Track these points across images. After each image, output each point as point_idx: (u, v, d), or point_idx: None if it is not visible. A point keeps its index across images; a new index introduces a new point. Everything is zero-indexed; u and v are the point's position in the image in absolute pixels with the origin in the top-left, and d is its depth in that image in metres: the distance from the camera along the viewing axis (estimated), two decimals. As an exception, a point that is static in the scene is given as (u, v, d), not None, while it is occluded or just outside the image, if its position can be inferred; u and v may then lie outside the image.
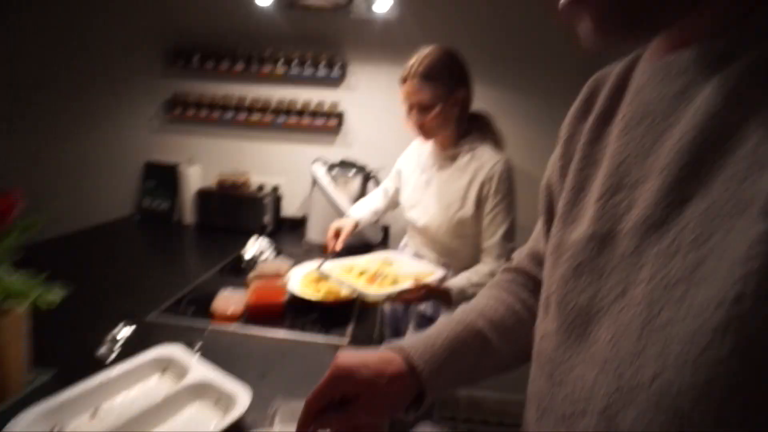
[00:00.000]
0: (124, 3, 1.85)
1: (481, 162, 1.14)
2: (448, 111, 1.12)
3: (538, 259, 0.56)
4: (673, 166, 0.31)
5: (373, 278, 1.08)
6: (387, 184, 1.46)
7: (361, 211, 1.42)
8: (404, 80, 1.12)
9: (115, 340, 0.88)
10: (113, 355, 0.84)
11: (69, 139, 2.03)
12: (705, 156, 0.29)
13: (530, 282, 0.58)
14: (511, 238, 1.13)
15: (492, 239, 1.12)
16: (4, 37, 1.93)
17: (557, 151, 0.49)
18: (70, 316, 0.95)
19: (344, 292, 1.11)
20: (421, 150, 1.32)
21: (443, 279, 1.10)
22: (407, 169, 1.34)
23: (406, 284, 1.02)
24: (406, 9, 1.65)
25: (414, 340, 0.50)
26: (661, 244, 0.30)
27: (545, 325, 0.42)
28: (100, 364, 0.80)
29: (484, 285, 1.05)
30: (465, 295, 1.05)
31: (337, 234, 1.30)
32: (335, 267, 1.13)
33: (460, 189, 1.16)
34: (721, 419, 0.24)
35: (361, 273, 1.10)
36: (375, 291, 1.02)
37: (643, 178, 0.34)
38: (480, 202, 1.14)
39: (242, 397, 0.68)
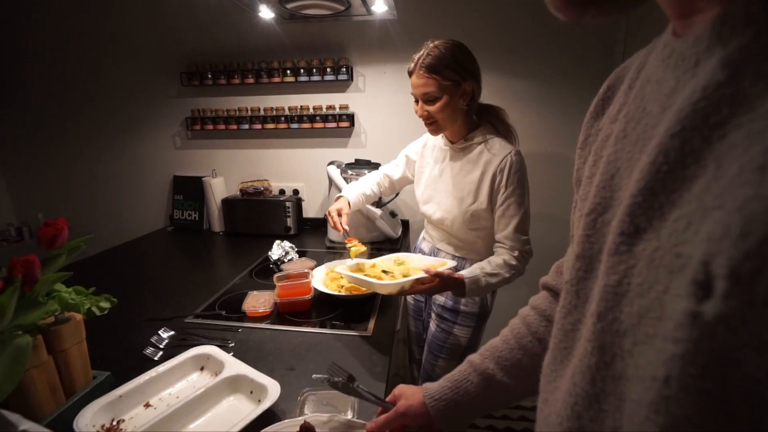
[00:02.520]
0: (140, 37, 1.97)
1: (492, 154, 1.14)
2: (456, 103, 1.12)
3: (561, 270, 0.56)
4: (635, 188, 0.26)
5: (386, 272, 1.12)
6: (391, 170, 1.46)
7: (352, 193, 1.41)
8: (411, 72, 1.13)
9: (158, 342, 0.98)
10: (158, 355, 0.93)
11: (102, 162, 2.19)
12: (665, 182, 0.24)
13: (556, 298, 0.58)
14: (524, 230, 1.13)
15: (505, 231, 1.13)
16: (40, 74, 2.09)
17: (576, 159, 0.46)
18: (118, 323, 1.06)
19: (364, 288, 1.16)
20: (432, 143, 1.33)
21: (455, 269, 1.12)
22: (419, 162, 1.36)
23: (418, 275, 1.04)
24: (405, 8, 1.67)
25: (436, 382, 0.62)
26: (609, 279, 0.27)
27: (551, 339, 0.41)
28: (149, 363, 0.89)
29: (497, 275, 1.08)
30: (478, 285, 1.07)
31: (339, 214, 1.31)
32: (348, 266, 1.17)
33: (472, 182, 1.16)
34: None
35: (372, 267, 1.14)
36: (387, 282, 1.05)
37: (626, 196, 0.28)
38: (493, 195, 1.14)
39: (273, 388, 0.75)
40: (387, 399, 0.65)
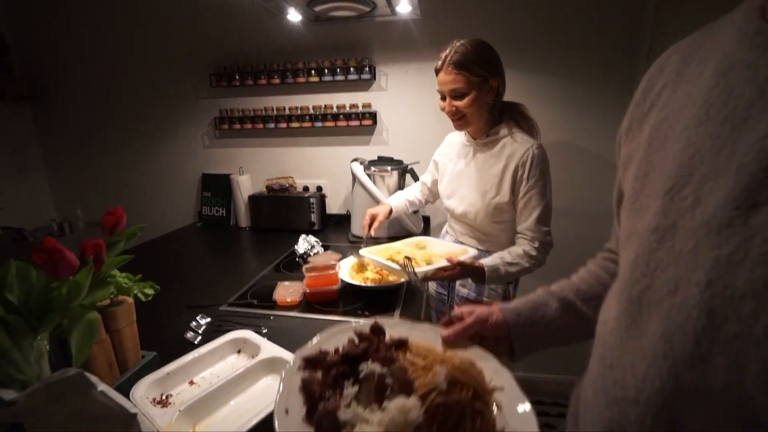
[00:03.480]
0: (173, 38, 2.06)
1: (514, 148, 1.16)
2: (482, 99, 1.15)
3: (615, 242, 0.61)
4: (753, 166, 0.28)
5: (409, 258, 1.16)
6: (425, 177, 1.53)
7: (396, 199, 1.50)
8: (439, 70, 1.16)
9: (198, 327, 1.04)
10: (198, 338, 1.00)
11: (135, 161, 2.30)
12: None
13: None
14: (545, 221, 1.15)
15: (526, 222, 1.15)
16: (77, 79, 2.21)
17: (621, 143, 0.48)
18: (160, 309, 1.13)
19: (389, 276, 1.20)
20: (455, 140, 1.36)
21: (476, 258, 1.15)
22: (443, 160, 1.39)
23: (440, 262, 1.07)
24: (428, 8, 1.69)
25: (514, 301, 0.62)
26: (722, 250, 0.29)
27: (607, 312, 0.44)
28: (189, 346, 0.95)
29: (517, 264, 1.11)
30: (498, 274, 1.10)
31: (373, 220, 1.39)
32: (372, 251, 1.22)
33: (495, 175, 1.19)
34: None
35: (397, 254, 1.18)
36: (410, 270, 1.08)
37: (714, 174, 0.31)
38: (515, 187, 1.17)
39: (307, 368, 0.79)
40: (449, 316, 0.65)
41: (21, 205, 2.27)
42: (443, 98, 1.19)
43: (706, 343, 0.29)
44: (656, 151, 0.38)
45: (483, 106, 1.17)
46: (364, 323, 0.65)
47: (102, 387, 0.50)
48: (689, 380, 0.31)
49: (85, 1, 2.09)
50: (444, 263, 1.07)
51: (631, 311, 0.37)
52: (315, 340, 0.62)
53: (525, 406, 0.51)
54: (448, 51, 1.14)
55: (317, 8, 1.47)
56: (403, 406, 0.46)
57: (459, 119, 1.19)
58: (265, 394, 0.79)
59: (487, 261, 1.11)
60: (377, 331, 0.62)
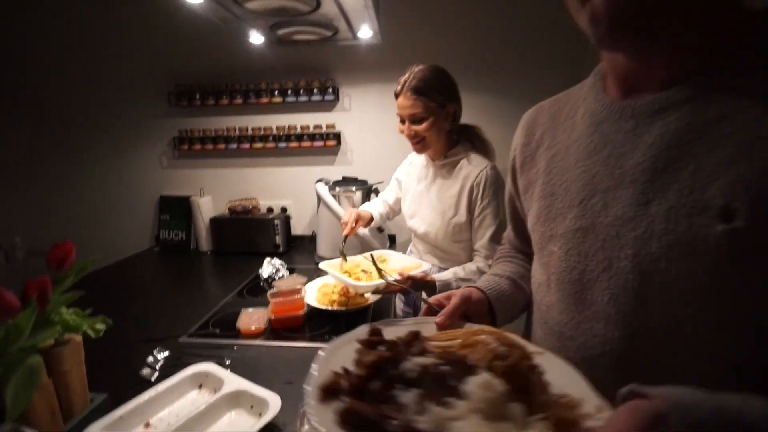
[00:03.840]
0: (129, 56, 2.00)
1: (469, 170, 1.21)
2: (440, 124, 1.19)
3: (514, 243, 0.79)
4: (640, 178, 0.44)
5: (365, 272, 1.21)
6: (387, 195, 1.54)
7: (373, 207, 1.49)
8: (398, 94, 1.19)
9: (155, 362, 0.98)
10: (155, 375, 0.94)
11: (86, 182, 2.17)
12: (660, 173, 0.42)
13: (520, 253, 0.78)
14: (499, 240, 1.18)
15: (481, 240, 1.20)
16: (24, 91, 2.08)
17: (513, 174, 0.67)
18: (111, 344, 1.05)
19: (354, 295, 1.21)
20: (416, 161, 1.40)
21: (427, 272, 1.18)
22: (405, 180, 1.42)
23: (392, 277, 1.08)
24: (389, 33, 1.75)
25: (477, 283, 0.70)
26: (637, 232, 0.43)
27: (549, 299, 0.56)
28: (145, 384, 0.89)
29: (470, 281, 1.14)
30: (449, 288, 1.12)
31: (356, 221, 1.37)
32: (331, 264, 1.25)
33: (452, 196, 1.23)
34: (722, 329, 0.40)
35: (356, 267, 1.23)
36: (362, 284, 1.13)
37: (613, 187, 0.46)
38: (471, 207, 1.21)
39: (274, 401, 0.77)
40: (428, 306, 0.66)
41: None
42: (402, 122, 1.22)
43: (642, 293, 0.43)
44: (557, 176, 0.55)
45: (441, 131, 1.21)
46: (358, 331, 0.56)
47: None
48: (637, 324, 0.44)
49: (36, 13, 1.98)
50: (395, 277, 1.09)
51: (574, 291, 0.50)
52: (316, 367, 0.49)
53: (559, 361, 0.49)
54: (407, 76, 1.18)
55: (280, 32, 1.48)
56: (484, 382, 0.42)
57: (418, 143, 1.22)
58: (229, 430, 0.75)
59: (440, 276, 1.14)
60: (378, 333, 0.55)
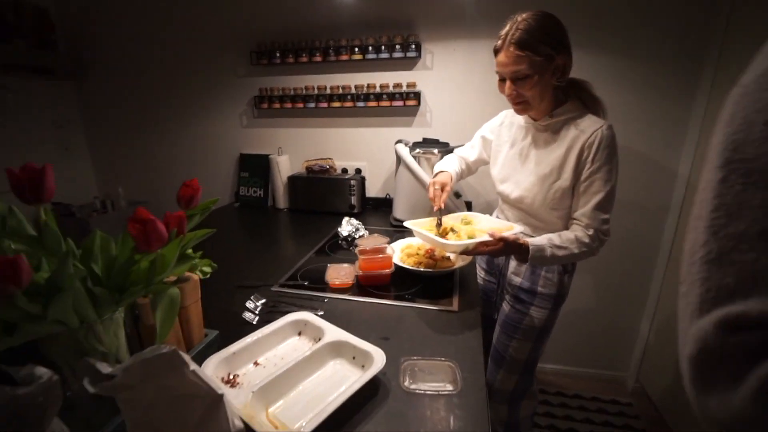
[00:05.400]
0: (211, 17, 2.03)
1: (580, 129, 1.07)
2: (547, 80, 1.04)
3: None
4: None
5: (453, 231, 1.15)
6: (467, 152, 1.42)
7: (450, 166, 1.36)
8: (498, 50, 1.06)
9: (255, 307, 1.03)
10: (256, 319, 0.98)
11: (174, 141, 2.31)
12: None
13: None
14: (605, 209, 1.06)
15: (584, 208, 1.07)
16: (115, 59, 2.22)
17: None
18: (214, 288, 1.12)
19: (440, 258, 1.17)
20: (508, 122, 1.28)
21: (519, 236, 1.08)
22: (496, 141, 1.31)
23: (483, 237, 1.02)
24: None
25: None
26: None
27: None
28: (248, 326, 0.93)
29: (565, 249, 1.05)
30: (543, 254, 1.03)
31: (442, 189, 1.25)
32: (416, 222, 1.18)
33: (556, 159, 1.11)
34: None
35: (439, 227, 1.17)
36: (452, 242, 1.05)
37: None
38: (577, 170, 1.08)
39: (378, 355, 0.76)
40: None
41: (66, 181, 2.32)
42: (502, 80, 1.10)
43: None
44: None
45: (547, 88, 1.07)
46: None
47: (193, 366, 0.47)
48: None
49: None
50: (486, 238, 1.02)
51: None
52: None
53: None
54: (508, 28, 1.04)
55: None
56: None
57: (520, 103, 1.10)
58: (334, 378, 0.76)
59: (534, 240, 1.05)
60: None
